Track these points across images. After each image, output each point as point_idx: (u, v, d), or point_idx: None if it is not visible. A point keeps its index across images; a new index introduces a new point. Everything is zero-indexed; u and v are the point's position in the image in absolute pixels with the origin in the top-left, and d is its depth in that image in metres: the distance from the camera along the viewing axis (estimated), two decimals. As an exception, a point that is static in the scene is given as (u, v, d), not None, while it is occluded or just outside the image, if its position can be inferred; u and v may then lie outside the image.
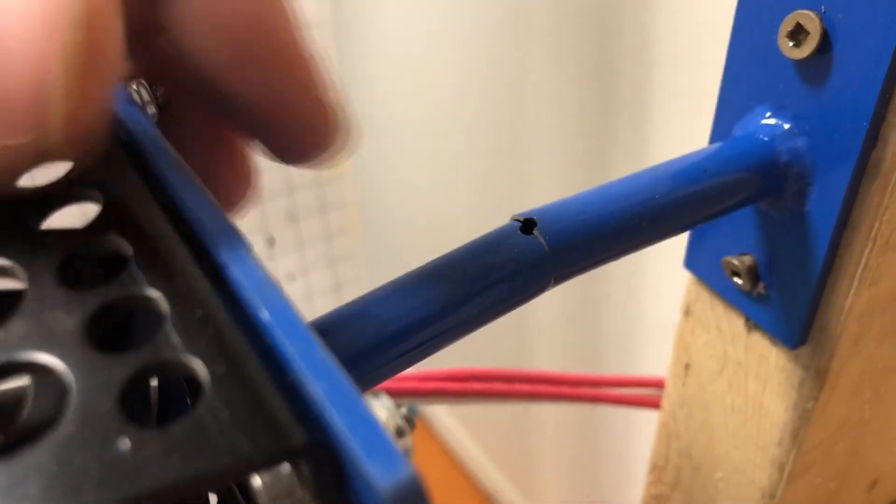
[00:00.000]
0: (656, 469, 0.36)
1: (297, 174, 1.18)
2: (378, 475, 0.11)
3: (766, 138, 0.24)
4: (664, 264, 0.69)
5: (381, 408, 0.13)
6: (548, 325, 0.94)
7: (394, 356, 0.19)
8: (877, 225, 0.24)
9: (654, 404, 0.41)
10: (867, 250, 0.24)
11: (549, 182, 0.82)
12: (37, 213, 0.15)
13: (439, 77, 0.98)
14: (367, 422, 0.11)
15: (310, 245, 1.27)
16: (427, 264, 0.21)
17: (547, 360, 0.98)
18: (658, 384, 0.41)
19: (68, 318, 0.13)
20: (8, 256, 0.14)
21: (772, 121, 0.24)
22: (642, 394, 0.41)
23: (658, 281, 0.71)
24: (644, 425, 0.82)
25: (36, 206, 0.15)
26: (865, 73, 0.22)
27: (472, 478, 1.39)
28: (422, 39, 0.99)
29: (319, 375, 0.12)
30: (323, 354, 0.12)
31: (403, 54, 1.04)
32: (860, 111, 0.22)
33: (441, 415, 1.46)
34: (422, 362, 0.23)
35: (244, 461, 0.11)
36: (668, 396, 0.33)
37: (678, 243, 0.33)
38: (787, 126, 0.24)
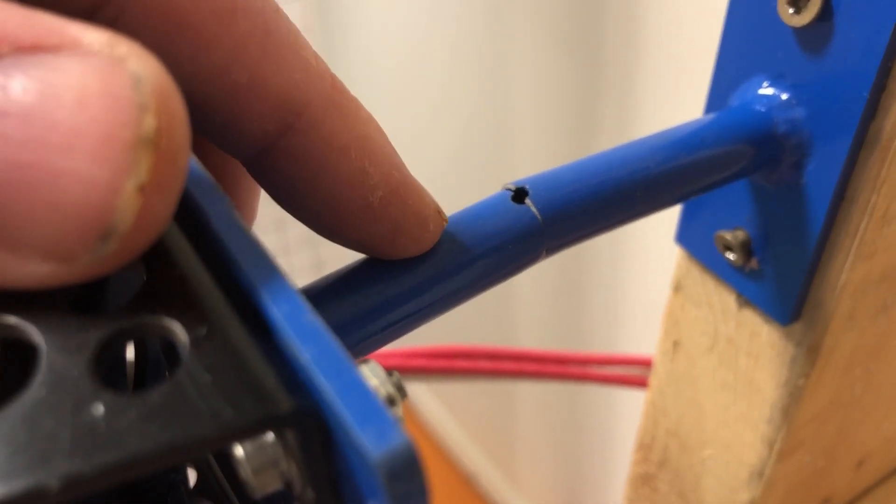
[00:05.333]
0: (643, 448, 0.36)
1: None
2: (370, 444, 0.10)
3: (763, 108, 0.24)
4: (650, 241, 0.68)
5: (372, 375, 0.12)
6: (532, 302, 0.94)
7: (382, 327, 0.19)
8: (874, 198, 0.23)
9: (640, 383, 0.40)
10: (863, 224, 0.24)
11: (535, 162, 0.82)
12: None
13: (423, 59, 0.97)
14: (359, 388, 0.11)
15: (292, 224, 1.25)
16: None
17: (531, 338, 0.97)
18: (645, 363, 0.41)
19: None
20: None
21: (769, 90, 0.24)
22: (629, 373, 0.41)
23: (644, 258, 0.71)
24: (627, 407, 0.82)
25: None
26: (867, 41, 0.21)
27: (452, 459, 1.39)
28: (408, 19, 0.97)
29: (307, 339, 0.11)
30: (311, 318, 0.11)
31: (389, 29, 1.03)
32: (860, 80, 0.22)
33: (422, 395, 1.46)
34: (407, 339, 0.22)
35: (227, 429, 0.10)
36: (657, 373, 0.33)
37: (665, 219, 0.33)
38: (784, 96, 0.23)
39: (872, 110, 0.22)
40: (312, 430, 0.11)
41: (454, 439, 1.38)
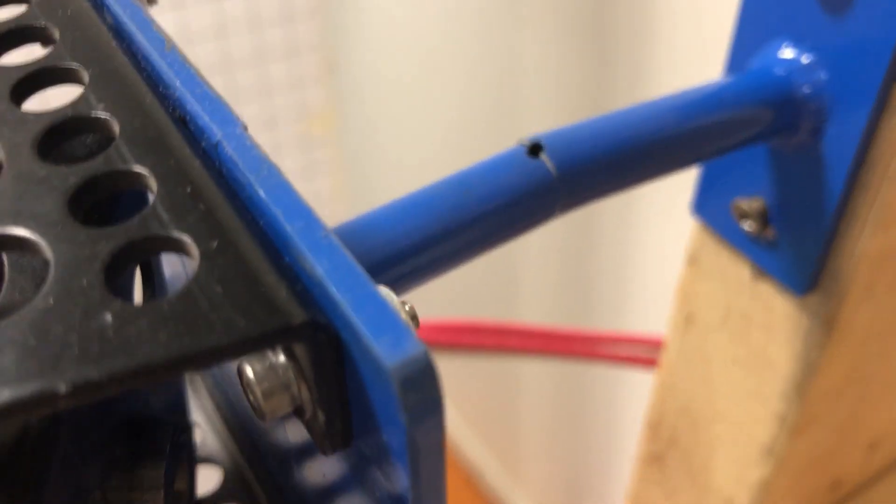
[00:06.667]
0: (652, 426, 0.35)
1: (284, 139, 1.16)
2: (384, 351, 0.10)
3: (783, 72, 0.23)
4: (660, 214, 0.68)
5: (388, 296, 0.12)
6: (538, 276, 0.93)
7: (392, 278, 0.18)
8: (894, 164, 0.23)
9: (649, 363, 0.40)
10: (883, 190, 0.23)
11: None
12: (18, 93, 0.14)
13: (430, 41, 0.96)
14: (374, 299, 0.10)
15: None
16: (430, 185, 0.20)
17: (536, 313, 0.97)
18: (654, 343, 0.40)
19: (49, 192, 0.12)
20: None
21: (790, 54, 0.23)
22: (637, 353, 0.40)
23: (654, 232, 0.70)
24: (632, 394, 0.81)
25: (18, 86, 0.14)
26: (891, 1, 0.21)
27: (453, 450, 1.39)
28: (416, 3, 0.97)
29: (321, 253, 0.11)
30: (325, 233, 0.11)
31: (396, 9, 1.03)
32: (883, 42, 0.21)
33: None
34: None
35: (238, 338, 0.10)
36: (668, 349, 0.33)
37: (677, 191, 0.32)
38: (805, 59, 0.23)
39: (894, 73, 0.22)
40: (325, 345, 0.11)
41: (454, 431, 1.38)
